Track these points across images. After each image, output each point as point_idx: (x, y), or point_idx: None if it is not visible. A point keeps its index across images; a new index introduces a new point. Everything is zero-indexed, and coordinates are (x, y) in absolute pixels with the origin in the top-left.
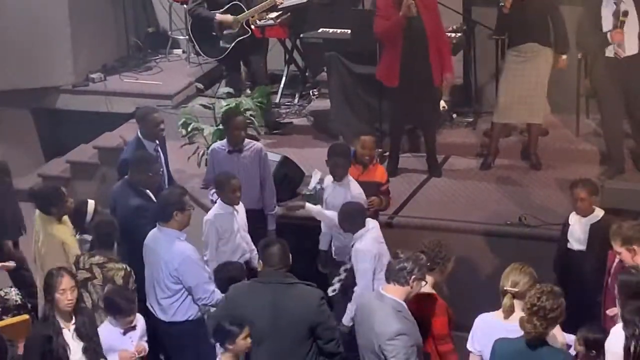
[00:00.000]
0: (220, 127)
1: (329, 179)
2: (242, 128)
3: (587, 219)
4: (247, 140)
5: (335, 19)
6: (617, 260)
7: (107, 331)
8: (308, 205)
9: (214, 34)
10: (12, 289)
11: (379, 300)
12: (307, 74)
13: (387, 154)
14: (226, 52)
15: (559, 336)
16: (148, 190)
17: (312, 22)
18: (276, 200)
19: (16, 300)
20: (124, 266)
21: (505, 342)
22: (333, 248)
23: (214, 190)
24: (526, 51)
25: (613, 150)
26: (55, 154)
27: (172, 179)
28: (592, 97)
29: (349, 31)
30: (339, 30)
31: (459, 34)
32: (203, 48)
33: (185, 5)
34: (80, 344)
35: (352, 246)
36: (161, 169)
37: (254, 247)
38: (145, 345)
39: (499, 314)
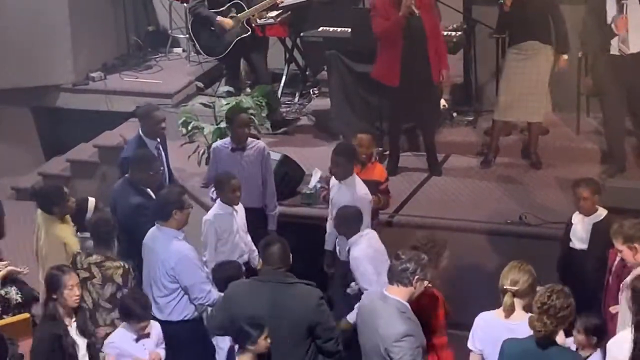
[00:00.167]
0: (221, 125)
1: (334, 178)
2: (246, 126)
3: (589, 219)
4: (250, 139)
5: (336, 17)
6: (618, 258)
7: (120, 336)
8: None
9: (214, 32)
10: (12, 288)
11: (382, 302)
12: (307, 72)
13: (388, 152)
14: (227, 51)
15: (559, 338)
16: (149, 189)
17: (312, 20)
18: (277, 200)
19: (16, 299)
20: (122, 264)
21: (514, 342)
22: (337, 248)
23: (214, 189)
24: (527, 49)
25: (615, 148)
26: (55, 153)
27: (173, 177)
28: (593, 95)
29: (349, 30)
30: (339, 29)
31: (459, 33)
32: (203, 46)
33: (185, 4)
34: (84, 341)
35: (348, 251)
36: (162, 168)
37: (253, 247)
38: (162, 353)
39: (499, 312)
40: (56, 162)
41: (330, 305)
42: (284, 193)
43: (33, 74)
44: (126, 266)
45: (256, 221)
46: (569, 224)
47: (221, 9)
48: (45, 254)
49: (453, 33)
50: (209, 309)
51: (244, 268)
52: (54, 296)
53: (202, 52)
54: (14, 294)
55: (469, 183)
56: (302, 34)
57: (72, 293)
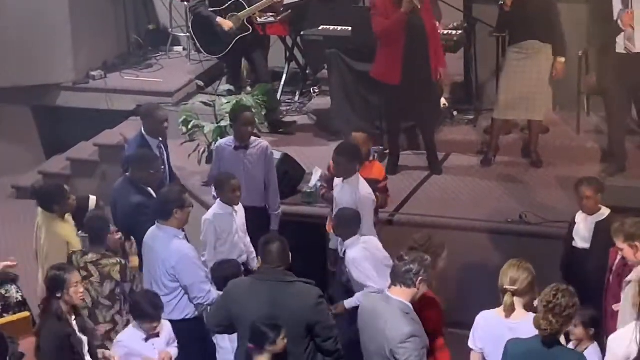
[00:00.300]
0: (221, 124)
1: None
2: (250, 124)
3: (592, 218)
4: (253, 138)
5: (336, 16)
6: (619, 257)
7: (129, 335)
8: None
9: (214, 31)
10: (13, 287)
11: (384, 303)
12: (307, 71)
13: (388, 151)
14: (227, 50)
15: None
16: (149, 188)
17: (312, 19)
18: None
19: (17, 298)
20: (119, 260)
21: (518, 342)
22: (340, 247)
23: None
24: (527, 48)
25: (616, 147)
26: (55, 152)
27: (174, 176)
28: (595, 94)
29: (350, 28)
30: (339, 28)
31: (460, 32)
32: (204, 45)
33: (186, 3)
34: (85, 338)
35: (344, 254)
36: (162, 167)
37: (252, 249)
38: (173, 351)
39: (499, 311)
40: (56, 161)
41: (332, 303)
42: (284, 192)
43: (33, 72)
44: (123, 262)
45: (258, 220)
46: (572, 223)
47: (222, 7)
48: (46, 252)
49: (453, 32)
50: (209, 308)
51: (243, 268)
52: (58, 295)
53: (202, 51)
54: (14, 292)
55: (470, 182)
56: (302, 33)
57: (77, 290)
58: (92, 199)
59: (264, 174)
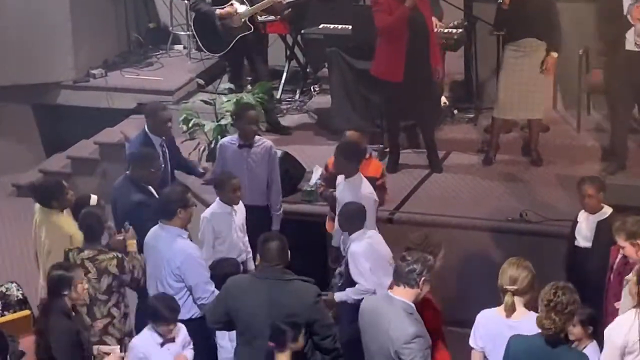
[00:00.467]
0: (221, 122)
1: (341, 175)
2: (254, 122)
3: (594, 217)
4: (257, 137)
5: (336, 14)
6: (620, 256)
7: (144, 340)
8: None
9: (216, 29)
10: (13, 285)
11: (387, 303)
12: (308, 70)
13: (388, 149)
14: (228, 48)
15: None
16: (150, 186)
17: (312, 17)
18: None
19: (17, 296)
20: (116, 254)
21: (521, 339)
22: (342, 245)
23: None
24: (525, 46)
25: (618, 145)
26: (56, 150)
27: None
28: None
29: (350, 27)
30: (339, 26)
31: (460, 30)
32: (205, 43)
33: (186, 1)
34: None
35: (348, 248)
36: (162, 165)
37: (250, 249)
38: (189, 354)
39: (500, 310)
40: (57, 159)
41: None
42: (284, 190)
43: (34, 71)
44: (119, 256)
45: (260, 219)
46: (575, 222)
47: (223, 6)
48: (48, 248)
49: (454, 30)
50: None
51: (242, 267)
52: (65, 292)
53: (204, 49)
54: (14, 290)
55: (470, 180)
56: (302, 31)
57: (83, 287)
58: (93, 198)
59: (267, 173)
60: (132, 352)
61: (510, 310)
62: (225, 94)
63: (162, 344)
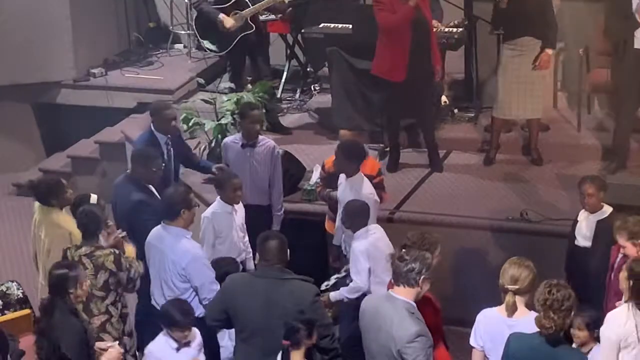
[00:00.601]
0: (222, 122)
1: (343, 175)
2: (257, 122)
3: (594, 216)
4: (261, 137)
5: (337, 14)
6: (620, 255)
7: (160, 346)
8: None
9: (217, 28)
10: (14, 284)
11: (389, 303)
12: (308, 69)
13: (388, 149)
14: (229, 48)
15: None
16: (150, 185)
17: (313, 17)
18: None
19: (18, 295)
20: (112, 250)
21: (521, 337)
22: (344, 244)
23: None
24: (522, 45)
25: (620, 144)
26: (56, 149)
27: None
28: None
29: (351, 26)
30: (340, 25)
31: (461, 29)
32: (207, 43)
33: (187, 0)
34: None
35: (351, 245)
36: (163, 164)
37: (249, 249)
38: (202, 358)
39: (501, 309)
40: (57, 158)
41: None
42: (284, 189)
43: (34, 70)
44: (116, 252)
45: (261, 219)
46: (575, 221)
47: (226, 5)
48: (47, 247)
49: (454, 29)
50: None
51: (241, 267)
52: (71, 291)
53: (205, 48)
54: (15, 289)
55: (470, 179)
56: (303, 31)
57: (87, 284)
58: (93, 197)
59: (269, 173)
60: (148, 358)
61: (511, 309)
62: (225, 93)
63: (177, 349)
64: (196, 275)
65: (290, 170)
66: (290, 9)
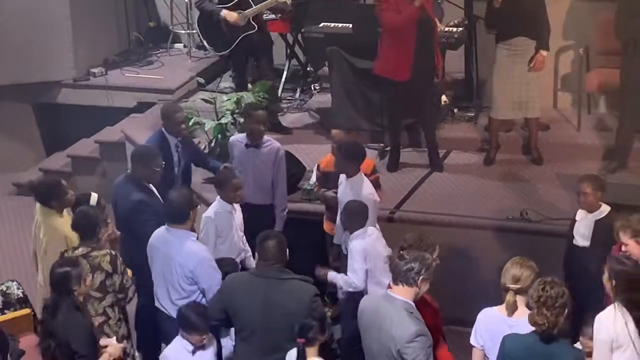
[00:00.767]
0: (222, 121)
1: (343, 175)
2: (261, 122)
3: (592, 215)
4: (266, 137)
5: (337, 13)
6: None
7: (175, 350)
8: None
9: (220, 27)
10: (14, 283)
11: (388, 303)
12: (308, 68)
13: (389, 148)
14: (231, 47)
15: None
16: (150, 185)
17: (313, 16)
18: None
19: (18, 295)
20: (108, 251)
21: (516, 337)
22: (343, 244)
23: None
24: (516, 45)
25: (623, 144)
26: (56, 149)
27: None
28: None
29: (351, 26)
30: (340, 25)
31: (461, 29)
32: (210, 42)
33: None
34: None
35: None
36: (163, 163)
37: (248, 248)
38: None
39: (501, 308)
40: (57, 158)
41: (334, 299)
42: None
43: (34, 70)
44: (113, 253)
45: (263, 218)
46: (573, 221)
47: (228, 5)
48: (44, 248)
49: (454, 29)
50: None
51: (240, 266)
52: (75, 288)
53: (208, 48)
54: (15, 289)
55: (470, 179)
56: (303, 30)
57: (89, 280)
58: (93, 196)
59: (273, 174)
60: None
61: (512, 308)
62: (225, 93)
63: (193, 352)
64: (204, 277)
65: (291, 170)
66: (291, 8)
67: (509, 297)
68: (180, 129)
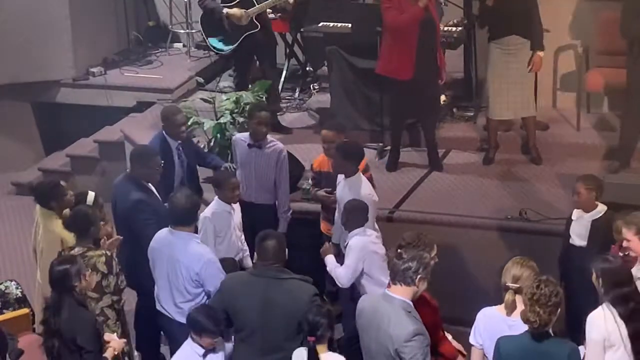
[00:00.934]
0: (221, 121)
1: (341, 175)
2: (265, 123)
3: (589, 215)
4: (270, 138)
5: (336, 13)
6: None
7: (185, 353)
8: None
9: (223, 27)
10: (12, 283)
11: (386, 302)
12: (307, 68)
13: (388, 148)
14: (234, 47)
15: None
16: (150, 184)
17: (312, 16)
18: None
19: (16, 294)
20: (104, 252)
21: (510, 339)
22: (342, 243)
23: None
24: (509, 44)
25: (627, 144)
26: (55, 148)
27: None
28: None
29: (350, 25)
30: (339, 24)
31: (460, 28)
32: (212, 41)
33: None
34: None
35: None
36: (163, 162)
37: (246, 247)
38: None
39: (500, 308)
40: (56, 157)
41: (334, 298)
42: None
43: (33, 69)
44: (108, 253)
45: (265, 217)
46: (569, 220)
47: (231, 4)
48: (41, 249)
49: (454, 29)
50: None
51: (239, 266)
52: (76, 284)
53: (211, 47)
54: (13, 288)
55: (469, 179)
56: (302, 29)
57: (89, 275)
58: (90, 195)
59: (275, 175)
60: None
61: (511, 307)
62: (225, 92)
63: (204, 355)
64: (210, 279)
65: (290, 170)
66: (292, 7)
67: (508, 296)
68: (180, 132)
